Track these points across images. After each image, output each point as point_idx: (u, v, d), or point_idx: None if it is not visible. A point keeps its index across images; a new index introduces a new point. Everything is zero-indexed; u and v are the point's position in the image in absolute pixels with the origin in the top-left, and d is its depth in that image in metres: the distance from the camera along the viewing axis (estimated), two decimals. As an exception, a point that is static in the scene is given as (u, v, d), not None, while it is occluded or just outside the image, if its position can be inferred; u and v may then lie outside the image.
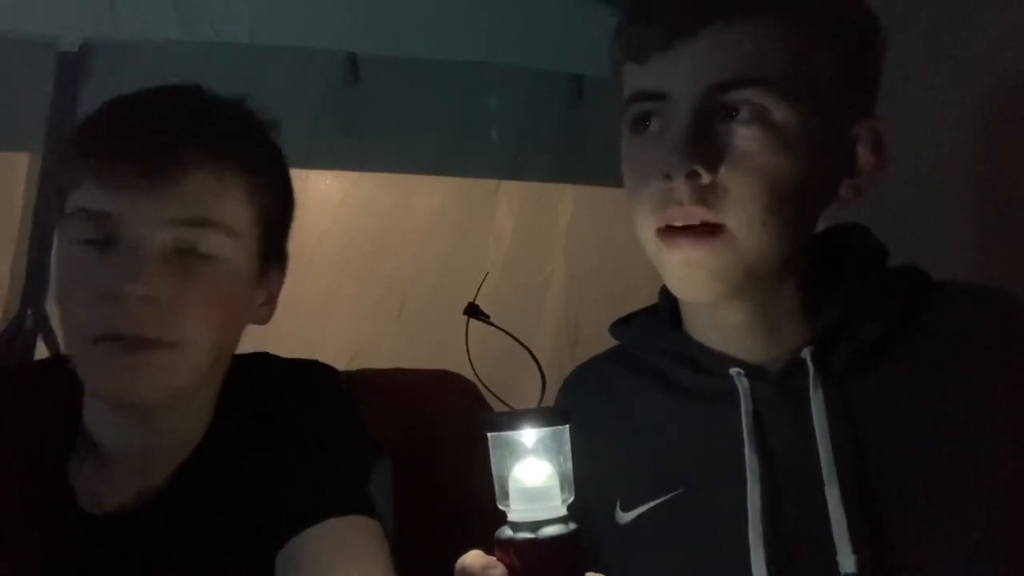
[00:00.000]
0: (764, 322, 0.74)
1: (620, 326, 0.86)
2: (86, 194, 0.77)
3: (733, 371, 0.74)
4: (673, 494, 0.75)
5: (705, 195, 0.69)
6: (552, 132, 1.50)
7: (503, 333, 1.40)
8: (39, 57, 1.32)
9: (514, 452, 0.63)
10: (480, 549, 0.62)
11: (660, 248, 0.72)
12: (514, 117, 1.51)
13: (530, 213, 1.57)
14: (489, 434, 0.64)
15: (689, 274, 0.72)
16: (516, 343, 1.39)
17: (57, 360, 0.91)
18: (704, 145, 0.68)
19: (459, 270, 1.58)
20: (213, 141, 0.80)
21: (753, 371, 0.74)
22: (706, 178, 0.68)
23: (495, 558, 0.61)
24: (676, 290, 0.75)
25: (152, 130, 0.78)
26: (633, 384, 0.82)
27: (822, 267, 0.76)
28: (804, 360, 0.72)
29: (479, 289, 0.80)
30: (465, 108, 1.50)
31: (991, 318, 0.73)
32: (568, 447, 0.64)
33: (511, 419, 0.63)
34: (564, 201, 1.57)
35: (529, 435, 0.63)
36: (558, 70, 1.49)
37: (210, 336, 0.79)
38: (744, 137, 0.69)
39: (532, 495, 0.62)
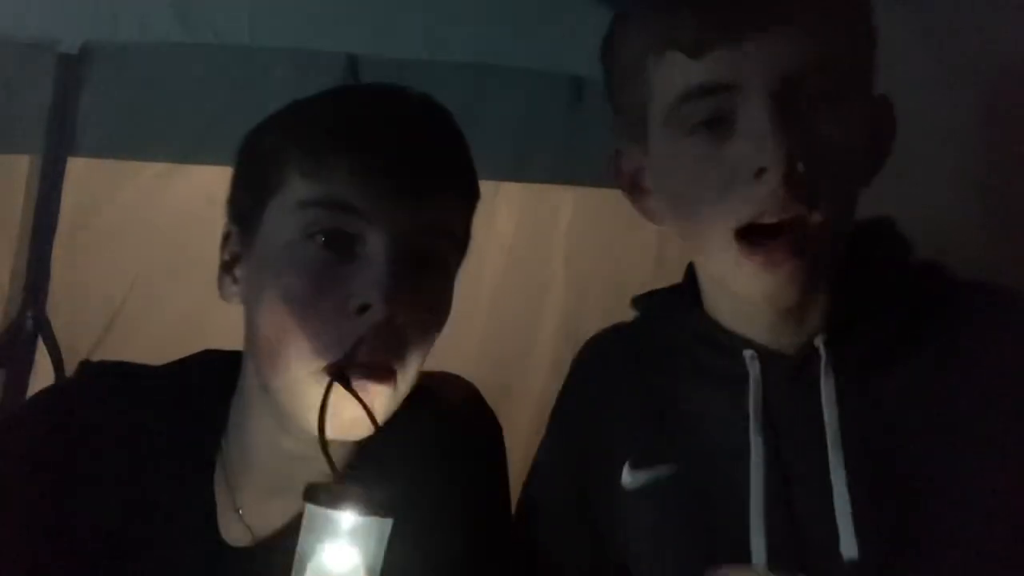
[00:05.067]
0: (796, 311, 0.73)
1: (642, 299, 0.86)
2: (332, 187, 0.71)
3: (747, 353, 0.74)
4: (678, 468, 0.75)
5: (796, 187, 0.65)
6: (552, 133, 1.50)
7: (502, 335, 1.39)
8: (39, 58, 1.32)
9: (327, 530, 0.58)
10: None
11: (738, 257, 0.68)
12: (514, 118, 1.50)
13: (531, 215, 1.56)
14: (307, 504, 0.59)
15: (780, 285, 0.68)
16: (516, 345, 1.38)
17: (202, 360, 0.84)
18: (794, 134, 0.65)
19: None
20: (465, 158, 0.81)
21: (768, 355, 0.74)
22: (801, 168, 0.65)
23: None
24: (758, 300, 0.71)
25: (413, 142, 0.75)
26: (652, 355, 0.83)
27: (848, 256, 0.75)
28: (818, 347, 0.72)
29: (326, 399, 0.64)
30: (465, 109, 1.49)
31: (1012, 320, 0.73)
32: (385, 543, 0.59)
33: (333, 494, 0.58)
34: (565, 203, 1.56)
35: (348, 517, 0.58)
36: (558, 71, 1.49)
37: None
38: (827, 123, 0.67)
39: None
